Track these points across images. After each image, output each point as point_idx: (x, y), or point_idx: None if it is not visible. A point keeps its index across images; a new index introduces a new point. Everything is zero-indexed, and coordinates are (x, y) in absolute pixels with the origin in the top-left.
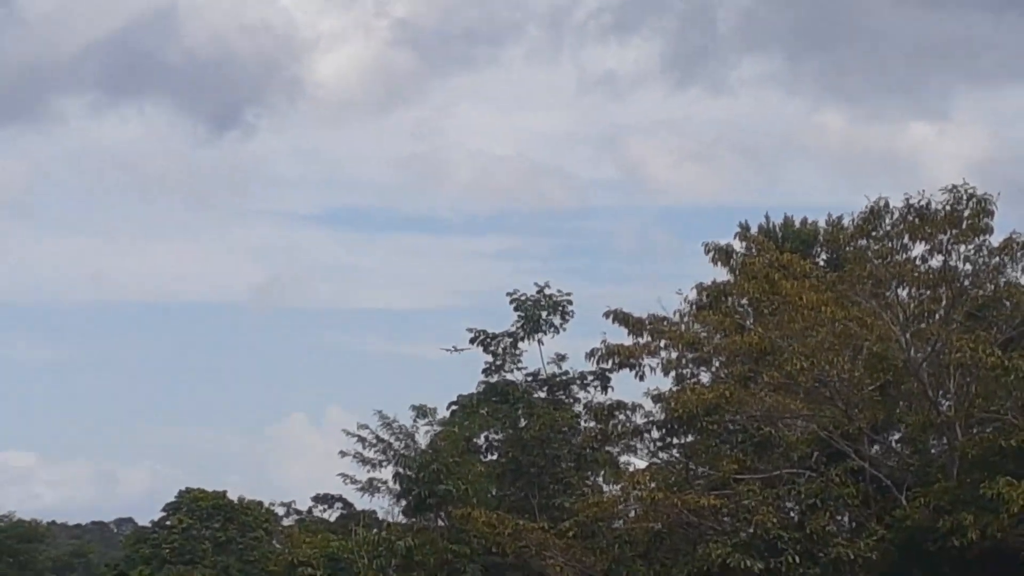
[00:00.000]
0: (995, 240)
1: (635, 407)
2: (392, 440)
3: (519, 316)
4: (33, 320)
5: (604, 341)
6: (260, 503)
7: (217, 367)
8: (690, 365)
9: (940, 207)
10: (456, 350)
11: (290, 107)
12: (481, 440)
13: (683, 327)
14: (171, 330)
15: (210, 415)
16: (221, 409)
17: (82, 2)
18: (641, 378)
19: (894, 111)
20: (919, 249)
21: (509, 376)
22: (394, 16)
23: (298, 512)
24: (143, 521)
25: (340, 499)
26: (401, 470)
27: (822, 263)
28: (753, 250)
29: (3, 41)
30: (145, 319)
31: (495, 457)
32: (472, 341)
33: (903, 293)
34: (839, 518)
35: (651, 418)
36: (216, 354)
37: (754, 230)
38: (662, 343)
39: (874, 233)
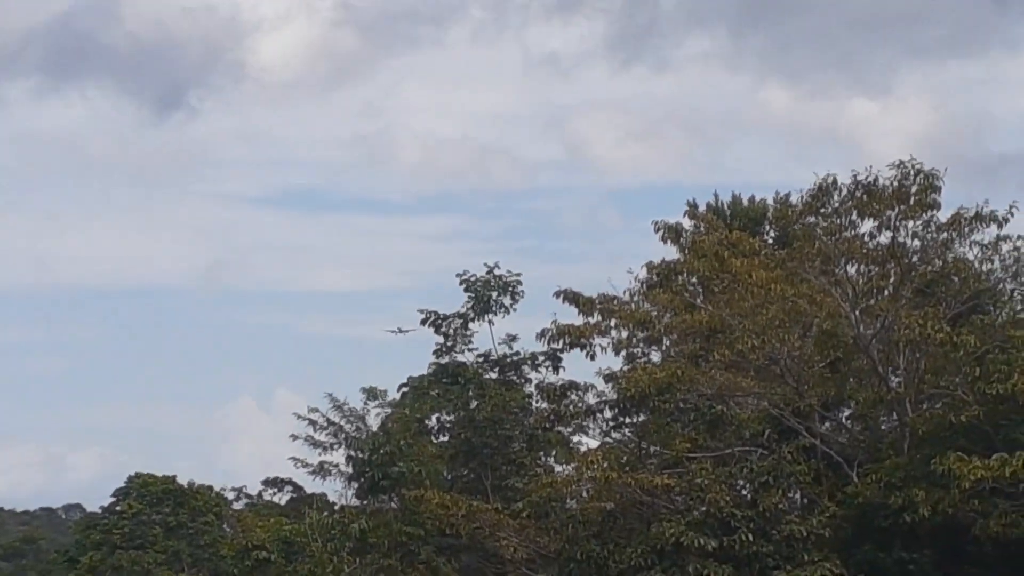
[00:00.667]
0: (943, 216)
1: (587, 387)
2: (343, 423)
3: (469, 297)
4: None
5: (555, 321)
6: (210, 487)
7: (163, 350)
8: (641, 344)
9: (887, 183)
10: (401, 331)
11: (234, 89)
12: (433, 422)
13: (633, 306)
14: (116, 313)
15: (157, 399)
16: (168, 393)
17: None
18: (592, 358)
19: (838, 86)
20: (867, 225)
21: (460, 357)
22: None
23: (248, 496)
24: (92, 507)
25: (290, 483)
26: (353, 452)
27: (771, 240)
28: (702, 228)
29: None
30: (90, 302)
31: (447, 439)
32: (423, 322)
33: (852, 270)
34: (791, 495)
35: (603, 398)
36: (162, 337)
37: (702, 208)
38: (612, 322)
39: (822, 210)
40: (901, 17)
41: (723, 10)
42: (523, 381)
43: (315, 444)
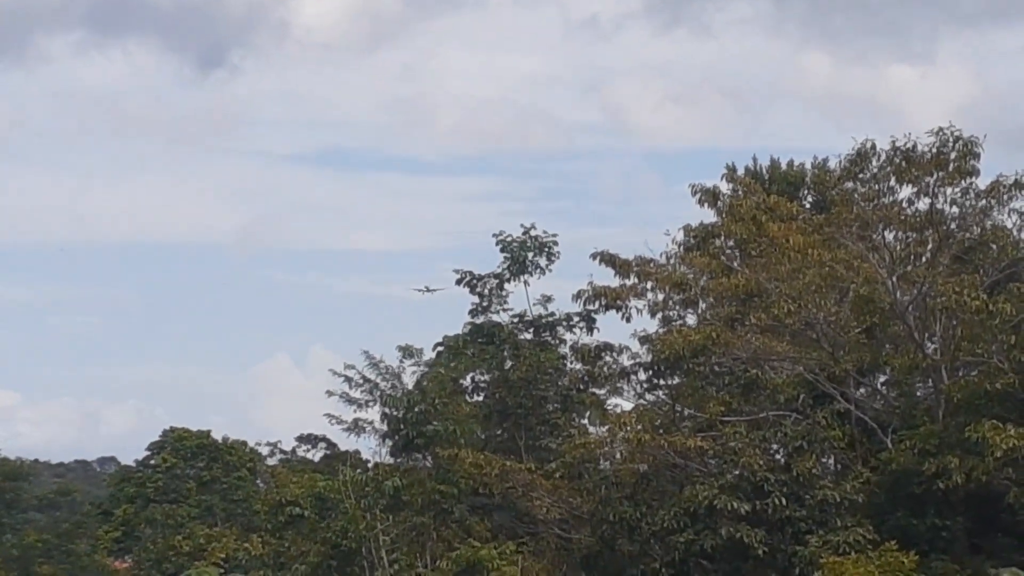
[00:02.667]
0: (982, 183)
1: (621, 349)
2: (379, 380)
3: (505, 257)
4: (14, 259)
5: (591, 283)
6: (244, 443)
7: (200, 307)
8: (677, 307)
9: (926, 149)
10: (429, 290)
11: (276, 49)
12: (467, 381)
13: (670, 269)
14: (154, 270)
15: (193, 355)
16: (204, 349)
17: None
18: (628, 320)
19: (878, 53)
20: (906, 192)
21: (495, 317)
22: None
23: (283, 452)
24: (126, 460)
25: (324, 439)
26: (388, 410)
27: (809, 205)
28: (740, 192)
29: None
30: (128, 259)
31: (482, 398)
32: (458, 282)
33: (890, 236)
34: (825, 460)
35: (637, 360)
36: (199, 294)
37: (741, 172)
38: (649, 285)
39: (861, 175)
40: None
41: None
42: (558, 342)
43: (350, 401)
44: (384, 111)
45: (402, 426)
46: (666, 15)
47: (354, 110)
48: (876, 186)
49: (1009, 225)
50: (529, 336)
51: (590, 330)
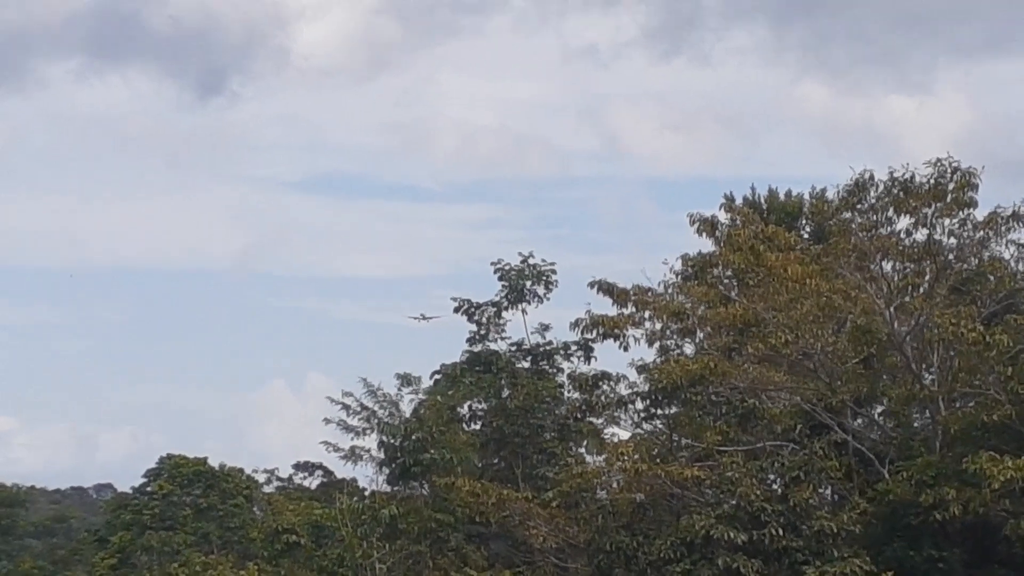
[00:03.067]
0: (979, 214)
1: (619, 378)
2: (376, 408)
3: (503, 285)
4: (12, 282)
5: (589, 311)
6: (241, 470)
7: (197, 332)
8: (674, 336)
9: (924, 180)
10: (424, 318)
11: (275, 75)
12: (465, 409)
13: (668, 298)
14: (152, 295)
15: (190, 381)
16: (201, 374)
17: None
18: (625, 349)
19: (876, 83)
20: (903, 222)
21: (493, 346)
22: None
23: (279, 479)
24: (123, 487)
25: (321, 467)
26: (385, 438)
27: (807, 235)
28: (738, 221)
29: None
30: (125, 283)
31: (479, 427)
32: (456, 310)
33: (887, 266)
34: (822, 491)
35: (635, 389)
36: (196, 319)
37: (739, 201)
38: (646, 314)
39: (859, 206)
40: (942, 15)
41: (764, 4)
42: (555, 371)
43: (347, 428)
44: (382, 137)
45: (399, 454)
46: (665, 44)
47: (352, 136)
48: (874, 216)
49: (1007, 256)
50: (527, 365)
51: (588, 359)
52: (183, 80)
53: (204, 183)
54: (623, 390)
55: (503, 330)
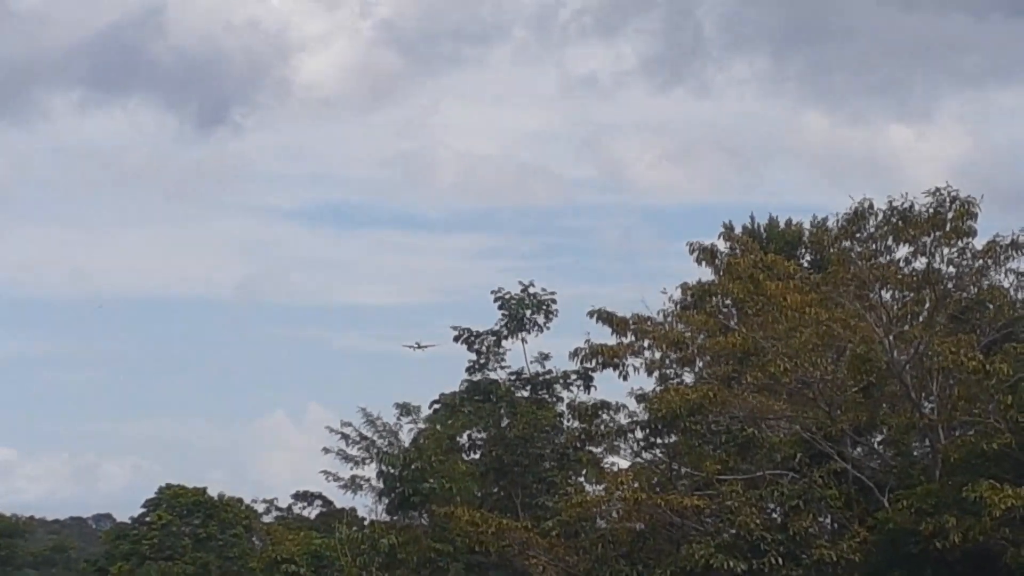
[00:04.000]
0: (978, 243)
1: (618, 407)
2: (376, 437)
3: (503, 314)
4: (14, 313)
5: (588, 340)
6: (240, 500)
7: (198, 362)
8: (674, 365)
9: (923, 209)
10: (420, 346)
11: (277, 106)
12: (464, 439)
13: (667, 327)
14: (151, 325)
15: (190, 410)
16: (201, 404)
17: None
18: (625, 378)
19: (876, 112)
20: (903, 251)
21: (492, 375)
22: (379, 17)
23: (279, 509)
24: (122, 517)
25: (320, 497)
26: (385, 468)
27: (806, 264)
28: (738, 250)
29: None
30: (125, 313)
31: (478, 456)
32: (456, 339)
33: (887, 295)
34: (822, 519)
35: (634, 418)
36: (197, 349)
37: (738, 230)
38: (646, 343)
39: (858, 235)
40: (943, 44)
41: (765, 34)
42: (555, 400)
43: (347, 458)
44: (384, 167)
45: (398, 484)
46: (665, 74)
47: (354, 166)
48: (873, 245)
49: (1006, 285)
50: (526, 394)
51: (587, 388)
52: (185, 111)
53: (206, 214)
54: (623, 419)
55: (503, 359)
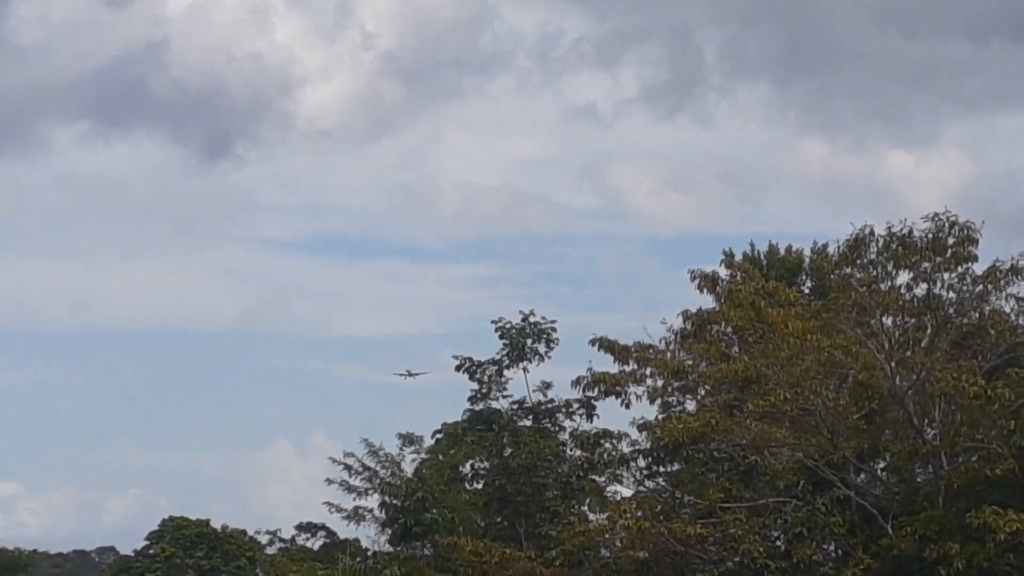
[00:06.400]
0: (979, 268)
1: (621, 435)
2: (378, 468)
3: (504, 344)
4: (15, 345)
5: (590, 369)
6: (243, 532)
7: (200, 393)
8: (676, 393)
9: (923, 235)
10: (410, 375)
11: (279, 138)
12: (467, 468)
13: (669, 355)
14: (154, 356)
15: (193, 442)
16: (204, 436)
17: (75, 32)
18: (627, 406)
19: (878, 139)
20: (903, 277)
21: (494, 404)
22: (381, 48)
23: (282, 541)
24: (125, 550)
25: (324, 528)
26: (387, 498)
27: (807, 291)
28: (738, 278)
29: None
30: (128, 345)
31: (481, 486)
32: (458, 368)
33: (888, 321)
34: (825, 547)
35: (637, 447)
36: (199, 380)
37: (739, 258)
38: (648, 371)
39: (859, 261)
40: (944, 70)
41: (765, 62)
42: (557, 429)
43: (350, 489)
44: (385, 197)
45: (401, 514)
46: (666, 102)
47: (355, 196)
48: (874, 272)
49: (1007, 310)
50: (528, 423)
51: (589, 417)
52: (188, 145)
53: (208, 245)
54: (625, 448)
55: (504, 388)
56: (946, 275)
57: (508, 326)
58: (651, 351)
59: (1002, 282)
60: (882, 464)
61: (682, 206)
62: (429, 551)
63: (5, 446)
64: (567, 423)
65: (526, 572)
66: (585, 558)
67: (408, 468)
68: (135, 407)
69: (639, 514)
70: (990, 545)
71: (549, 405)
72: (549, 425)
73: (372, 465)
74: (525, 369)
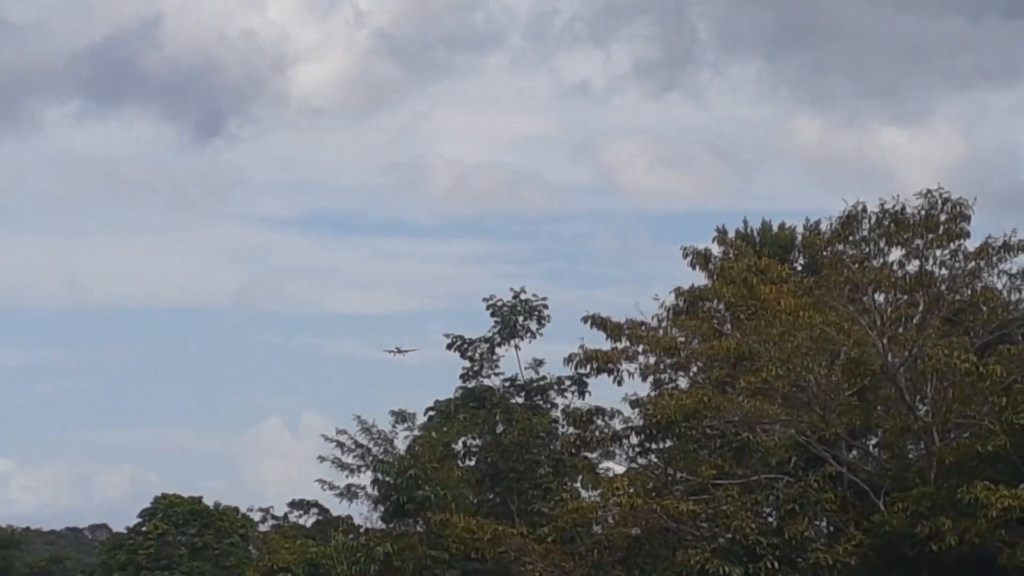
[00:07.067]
0: (971, 245)
1: (613, 412)
2: (371, 445)
3: (496, 321)
4: (8, 323)
5: (582, 346)
6: (236, 509)
7: (193, 371)
8: (668, 370)
9: (915, 212)
10: (400, 351)
11: (272, 116)
12: (459, 446)
13: (661, 332)
14: (147, 334)
15: (186, 419)
16: (197, 413)
17: (67, 10)
18: (619, 383)
19: (871, 115)
20: (896, 254)
21: (487, 381)
22: (374, 26)
23: (275, 518)
24: (118, 527)
25: (316, 505)
26: (380, 475)
27: (800, 268)
28: (731, 254)
29: None
30: (121, 323)
31: (473, 463)
32: (449, 347)
33: (880, 298)
34: (817, 523)
35: (629, 423)
36: (192, 358)
37: (732, 234)
38: (640, 348)
39: (851, 238)
40: (937, 46)
41: (758, 38)
42: (549, 406)
43: (342, 466)
44: (378, 175)
45: (393, 491)
46: (659, 79)
47: (348, 174)
48: (866, 248)
49: (999, 287)
50: (521, 400)
51: (582, 394)
52: (181, 123)
53: (201, 223)
54: (617, 425)
55: (496, 366)
56: (938, 252)
57: (499, 303)
58: (643, 328)
59: (994, 259)
60: (874, 440)
61: (675, 182)
62: (422, 528)
63: None
64: (559, 400)
65: (518, 548)
66: (577, 535)
67: (401, 445)
68: (128, 385)
69: (631, 491)
70: (982, 521)
71: (541, 382)
72: (541, 402)
73: (365, 442)
74: (517, 347)
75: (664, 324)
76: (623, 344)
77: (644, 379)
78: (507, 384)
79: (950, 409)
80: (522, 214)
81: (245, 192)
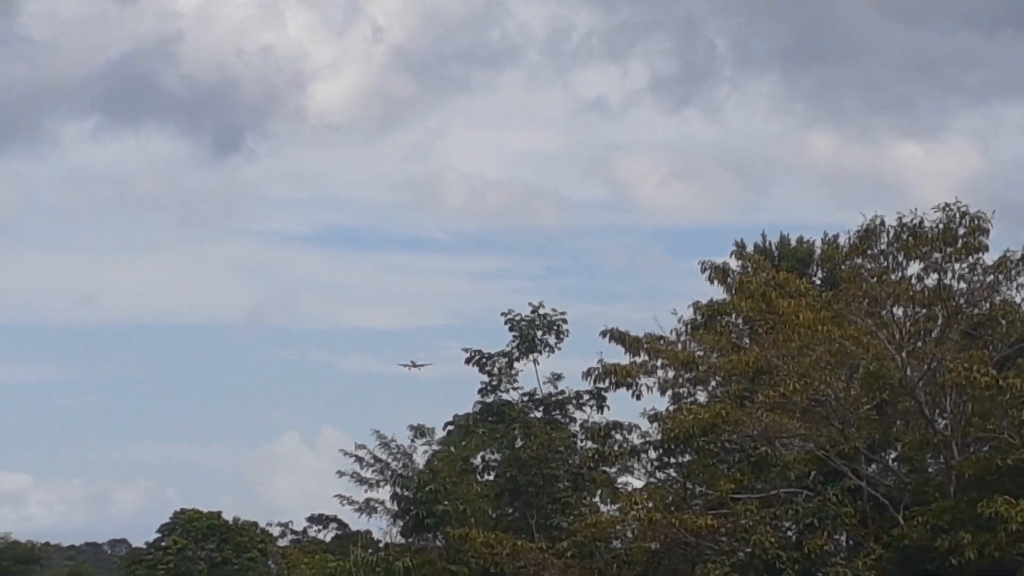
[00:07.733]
0: (989, 258)
1: (632, 427)
2: (390, 460)
3: (514, 336)
4: (25, 340)
5: (601, 360)
6: (255, 524)
7: (210, 386)
8: (687, 384)
9: (934, 226)
10: (415, 366)
11: (289, 132)
12: (478, 460)
13: (679, 346)
14: (164, 350)
15: (204, 435)
16: (215, 429)
17: (85, 28)
18: (638, 397)
19: (886, 129)
20: (914, 268)
21: (505, 396)
22: (391, 42)
23: (294, 533)
24: (137, 542)
25: (335, 520)
26: (399, 490)
27: (818, 282)
28: (749, 268)
29: (4, 64)
30: (138, 339)
31: (492, 477)
32: (468, 361)
33: (899, 312)
34: (837, 537)
35: (648, 438)
36: (209, 373)
37: (750, 249)
38: (659, 362)
39: (869, 252)
40: (952, 60)
41: (774, 54)
42: (568, 420)
43: (361, 481)
44: (394, 191)
45: (412, 506)
46: (675, 94)
47: (364, 190)
48: (884, 262)
49: (1018, 300)
50: (539, 414)
51: (600, 408)
52: (198, 139)
53: (216, 239)
54: (636, 439)
55: (515, 380)
56: (957, 265)
57: (518, 318)
58: (662, 342)
59: (1013, 272)
60: (893, 454)
61: (691, 197)
62: (441, 543)
63: (15, 439)
64: (578, 415)
65: (537, 563)
66: (596, 549)
67: (420, 460)
68: (144, 400)
69: (650, 505)
70: (1002, 535)
71: (560, 397)
72: (560, 417)
73: (384, 457)
74: (535, 361)
75: (683, 338)
76: (642, 358)
77: (663, 393)
78: (526, 398)
79: (969, 423)
80: (537, 230)
81: (260, 208)
